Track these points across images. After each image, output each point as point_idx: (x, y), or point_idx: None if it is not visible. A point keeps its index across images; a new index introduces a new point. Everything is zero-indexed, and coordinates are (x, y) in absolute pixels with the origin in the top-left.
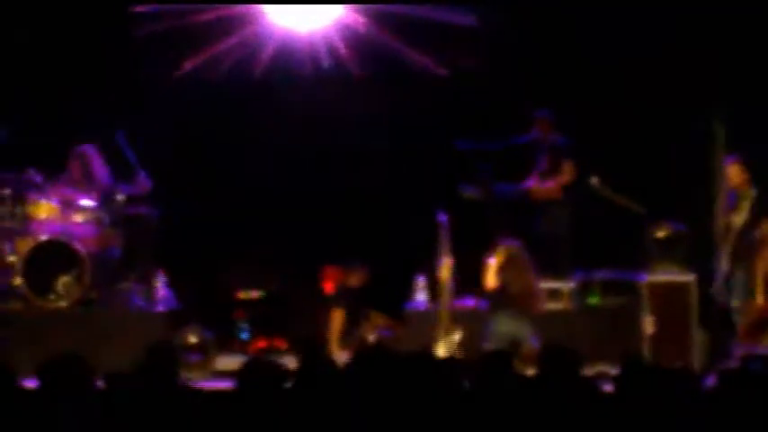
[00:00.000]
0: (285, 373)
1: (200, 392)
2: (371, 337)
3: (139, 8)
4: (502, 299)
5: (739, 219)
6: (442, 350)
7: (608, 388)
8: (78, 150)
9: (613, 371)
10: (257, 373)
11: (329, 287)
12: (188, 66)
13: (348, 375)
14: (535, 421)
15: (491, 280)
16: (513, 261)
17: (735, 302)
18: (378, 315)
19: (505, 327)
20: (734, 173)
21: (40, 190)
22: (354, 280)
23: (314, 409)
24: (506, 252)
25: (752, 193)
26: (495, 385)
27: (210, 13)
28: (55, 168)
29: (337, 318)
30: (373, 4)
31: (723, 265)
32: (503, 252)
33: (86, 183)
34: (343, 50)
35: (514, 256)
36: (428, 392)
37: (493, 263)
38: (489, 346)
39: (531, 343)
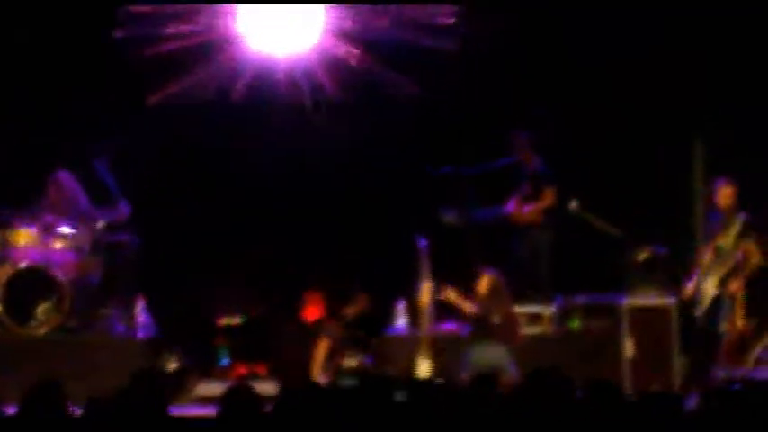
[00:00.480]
0: (266, 400)
1: (182, 419)
2: (353, 362)
3: (119, 34)
4: (482, 328)
5: (726, 242)
6: (422, 374)
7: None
8: (54, 177)
9: None
10: (240, 399)
11: (311, 313)
12: (167, 91)
13: (331, 399)
14: None
15: (469, 305)
16: (495, 291)
17: (723, 326)
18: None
19: (484, 357)
20: (724, 195)
21: (19, 217)
22: (353, 309)
23: None
24: (489, 282)
25: (740, 218)
26: (480, 408)
27: (189, 39)
28: (33, 195)
29: (323, 345)
30: (357, 4)
31: (709, 288)
32: (486, 282)
33: (64, 209)
34: (321, 75)
35: (496, 285)
36: (410, 416)
37: (451, 293)
38: (468, 375)
39: (510, 371)
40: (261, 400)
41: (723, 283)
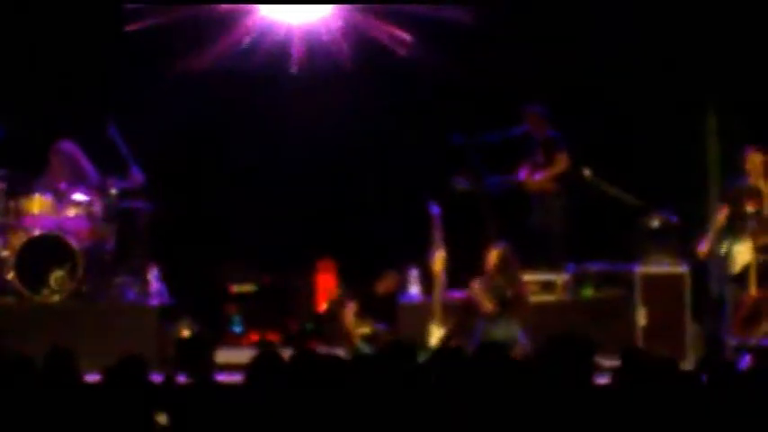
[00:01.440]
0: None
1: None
2: (367, 329)
3: (132, 5)
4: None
5: (755, 208)
6: (435, 341)
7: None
8: (56, 146)
9: (606, 362)
10: (268, 365)
11: (323, 280)
12: (181, 60)
13: (353, 367)
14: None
15: (489, 303)
16: (505, 264)
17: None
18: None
19: (495, 332)
20: (754, 161)
21: (33, 185)
22: (383, 286)
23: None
24: (498, 255)
25: None
26: (495, 375)
27: (204, 9)
28: (46, 163)
29: (347, 314)
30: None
31: (744, 252)
32: (495, 255)
33: (68, 179)
34: (336, 44)
35: (507, 258)
36: (427, 383)
37: (478, 287)
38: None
39: (521, 343)
40: (287, 366)
41: (762, 249)
